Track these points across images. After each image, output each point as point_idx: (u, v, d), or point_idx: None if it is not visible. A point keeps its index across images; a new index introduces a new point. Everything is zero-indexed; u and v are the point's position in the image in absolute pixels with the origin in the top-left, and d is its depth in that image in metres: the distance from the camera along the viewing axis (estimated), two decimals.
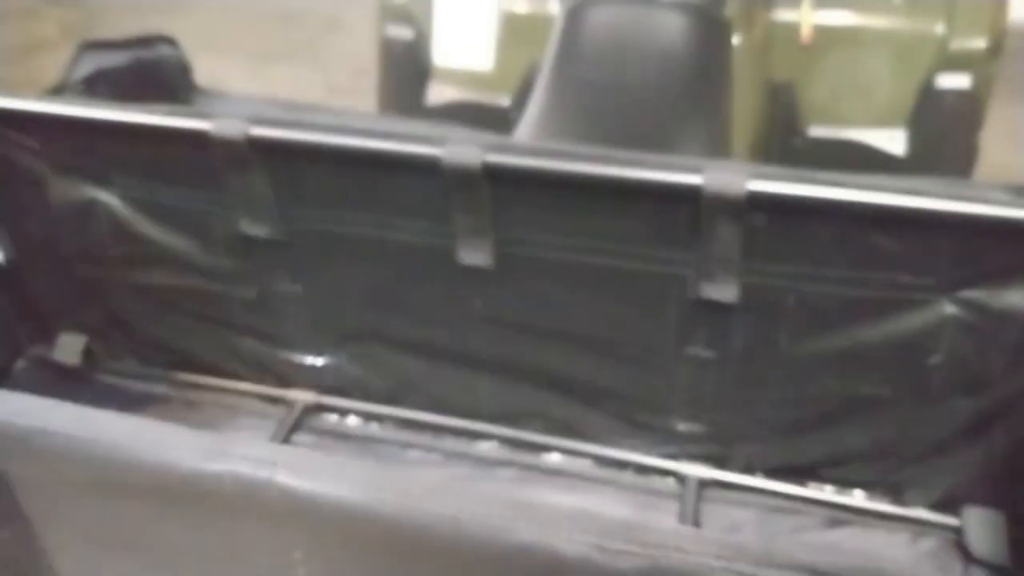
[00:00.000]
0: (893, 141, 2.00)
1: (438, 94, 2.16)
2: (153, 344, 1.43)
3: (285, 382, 1.40)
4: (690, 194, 1.02)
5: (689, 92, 1.63)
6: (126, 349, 1.45)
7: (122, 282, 1.37)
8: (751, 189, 0.99)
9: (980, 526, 1.15)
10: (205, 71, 1.59)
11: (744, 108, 1.86)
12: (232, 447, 0.76)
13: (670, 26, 1.63)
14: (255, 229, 1.22)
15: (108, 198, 1.29)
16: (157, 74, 1.49)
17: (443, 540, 0.71)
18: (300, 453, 0.75)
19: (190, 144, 1.17)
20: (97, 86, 1.37)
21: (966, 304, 1.02)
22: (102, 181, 1.28)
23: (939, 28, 1.91)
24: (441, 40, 2.16)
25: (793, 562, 0.65)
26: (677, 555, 0.67)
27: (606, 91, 1.62)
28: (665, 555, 0.68)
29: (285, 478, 0.74)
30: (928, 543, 1.18)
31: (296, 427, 1.35)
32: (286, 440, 1.32)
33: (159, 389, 1.43)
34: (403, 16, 2.13)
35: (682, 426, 1.24)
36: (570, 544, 0.69)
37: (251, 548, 0.81)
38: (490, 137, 1.11)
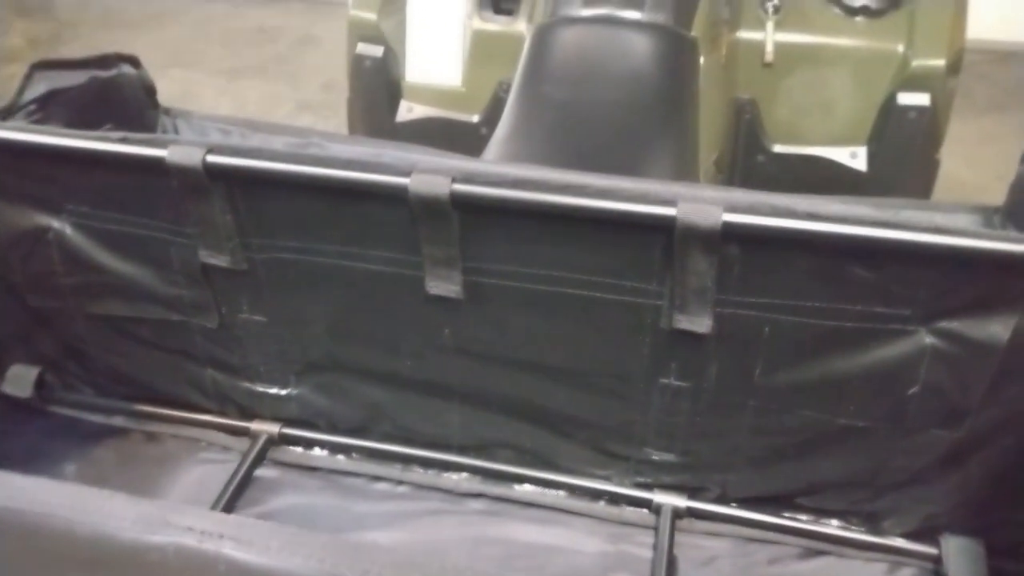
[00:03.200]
0: (855, 158, 1.95)
1: (408, 111, 2.08)
2: (110, 375, 1.32)
3: (248, 413, 1.30)
4: (664, 225, 0.94)
5: (657, 110, 1.57)
6: (82, 380, 1.35)
7: (77, 312, 1.26)
8: (726, 221, 0.92)
9: (959, 555, 1.10)
10: (176, 86, 1.48)
11: (710, 126, 1.82)
12: (175, 517, 0.66)
13: (638, 45, 1.58)
14: (215, 258, 1.13)
15: (60, 226, 1.18)
16: (116, 95, 1.38)
17: None
18: (249, 523, 0.66)
19: (146, 171, 1.08)
20: (50, 107, 1.26)
21: (944, 335, 0.96)
22: (54, 208, 1.17)
23: (900, 47, 1.87)
24: (412, 57, 2.08)
25: None
26: None
27: (574, 110, 1.55)
28: None
29: (233, 551, 0.64)
30: (906, 573, 1.13)
31: (259, 460, 1.25)
32: (248, 474, 1.22)
33: (117, 421, 1.33)
34: (373, 33, 2.04)
35: (656, 456, 1.17)
36: None
37: None
38: (459, 163, 1.03)
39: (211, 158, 1.04)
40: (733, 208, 0.92)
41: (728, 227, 0.92)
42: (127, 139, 1.10)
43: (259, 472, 1.25)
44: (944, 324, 0.96)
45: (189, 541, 0.65)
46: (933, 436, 1.03)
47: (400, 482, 1.25)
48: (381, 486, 1.25)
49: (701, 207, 0.92)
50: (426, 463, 1.26)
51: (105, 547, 0.67)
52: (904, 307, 0.95)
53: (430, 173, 0.98)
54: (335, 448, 1.28)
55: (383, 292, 1.11)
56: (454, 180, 0.98)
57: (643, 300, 1.03)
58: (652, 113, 1.55)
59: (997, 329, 0.94)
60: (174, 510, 0.66)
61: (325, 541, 0.64)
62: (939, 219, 0.99)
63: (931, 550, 1.12)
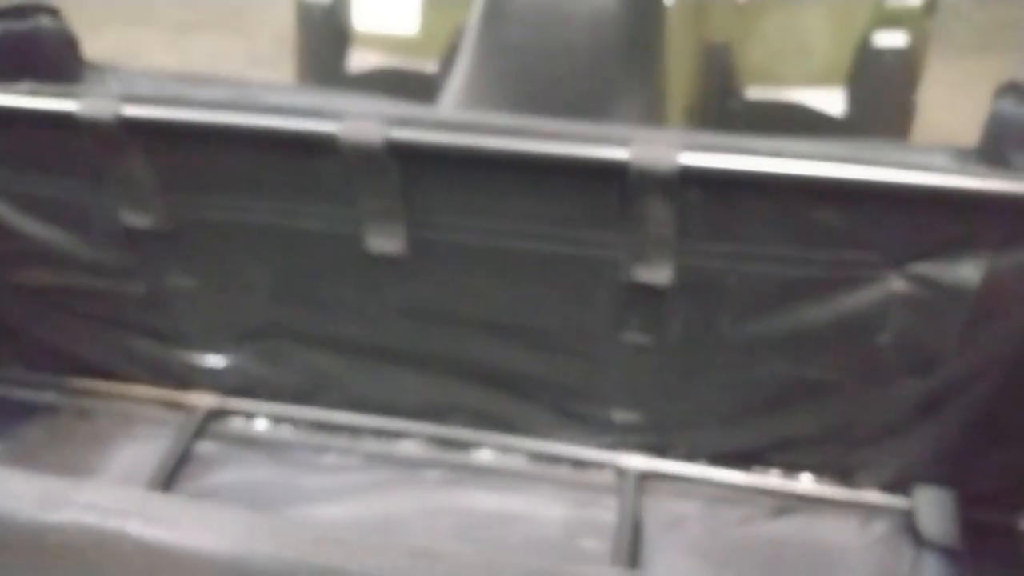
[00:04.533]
0: (831, 101, 1.92)
1: (360, 61, 2.01)
2: (39, 348, 1.27)
3: (185, 385, 1.26)
4: (617, 169, 0.90)
5: (621, 55, 1.52)
6: (10, 355, 1.29)
7: (0, 282, 1.20)
8: (683, 163, 0.87)
9: (931, 506, 1.09)
10: (120, 43, 1.41)
11: (679, 71, 1.77)
12: (76, 494, 0.62)
13: None
14: (137, 220, 1.07)
15: None
16: (34, 49, 1.30)
17: None
18: (157, 499, 0.62)
19: (58, 128, 1.02)
20: None
21: (915, 279, 0.93)
22: None
23: None
24: (361, 3, 2.00)
25: None
26: None
27: (534, 55, 1.50)
28: None
29: (140, 528, 0.60)
30: (879, 527, 1.12)
31: (198, 434, 1.21)
32: (187, 449, 1.18)
33: (47, 397, 1.28)
34: None
35: (619, 416, 1.14)
36: None
37: None
38: (398, 108, 0.98)
39: (126, 110, 0.98)
40: (691, 149, 0.88)
41: (686, 170, 0.88)
42: (36, 91, 1.03)
43: (198, 447, 1.21)
44: (914, 268, 0.93)
45: (91, 519, 0.61)
46: (906, 385, 1.01)
47: (350, 452, 1.21)
48: (329, 458, 1.21)
49: (656, 148, 0.88)
50: (377, 432, 1.22)
51: (4, 526, 0.63)
52: (873, 252, 0.92)
53: (363, 119, 0.93)
54: (279, 419, 1.24)
55: (322, 251, 1.06)
56: (390, 125, 0.92)
57: (600, 252, 0.99)
58: (615, 59, 1.50)
59: (969, 272, 0.91)
60: (75, 487, 0.62)
61: (239, 516, 0.60)
62: (911, 159, 0.96)
63: (903, 502, 1.11)
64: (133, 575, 0.63)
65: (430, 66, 1.95)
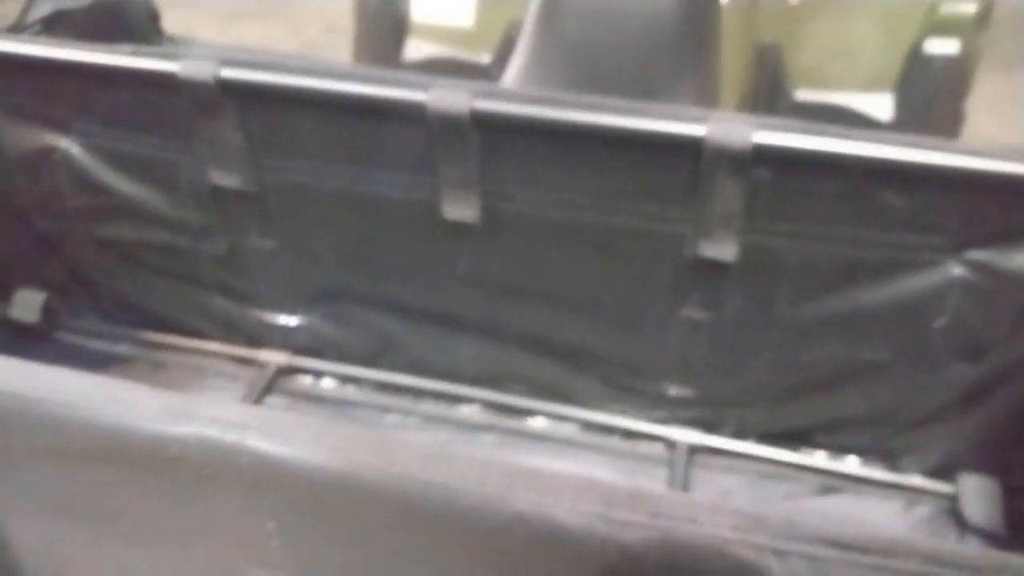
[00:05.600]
0: (879, 106, 1.95)
1: (416, 51, 2.06)
2: (117, 301, 1.33)
3: (256, 342, 1.32)
4: (691, 146, 0.95)
5: (677, 52, 1.55)
6: (88, 306, 1.36)
7: (84, 236, 1.27)
8: (757, 141, 0.92)
9: (975, 493, 1.12)
10: (172, 27, 1.48)
11: (730, 70, 1.80)
12: (198, 408, 0.67)
13: None
14: (225, 179, 1.13)
15: (68, 145, 1.19)
16: (121, 18, 1.38)
17: (432, 510, 0.64)
18: (273, 415, 0.67)
19: (156, 87, 1.08)
20: (55, 29, 1.26)
21: (973, 265, 0.98)
22: (61, 127, 1.18)
23: None
24: None
25: (816, 534, 0.59)
26: (689, 527, 0.61)
27: (591, 50, 1.54)
28: (676, 526, 0.61)
29: (256, 442, 0.66)
30: (922, 510, 1.15)
31: (268, 389, 1.27)
32: (257, 403, 1.24)
33: (123, 349, 1.35)
34: None
35: (672, 390, 1.19)
36: (572, 514, 0.62)
37: (221, 516, 0.74)
38: (477, 84, 1.03)
39: (225, 72, 1.04)
40: (765, 128, 0.93)
41: (758, 148, 0.93)
42: (139, 52, 1.10)
43: (267, 402, 1.27)
44: (973, 255, 0.97)
45: (212, 432, 0.66)
46: (956, 371, 1.05)
47: (411, 414, 1.27)
48: (391, 417, 1.27)
49: (732, 125, 0.93)
50: (437, 395, 1.27)
51: (127, 438, 0.68)
52: (934, 236, 0.96)
53: (450, 88, 0.98)
54: (345, 379, 1.30)
55: (396, 218, 1.12)
56: (476, 96, 0.98)
57: (666, 227, 1.03)
58: (671, 55, 1.54)
59: None
60: (196, 402, 0.68)
61: (350, 434, 0.66)
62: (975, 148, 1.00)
63: (948, 488, 1.14)
64: (246, 487, 0.69)
65: (484, 58, 2.00)
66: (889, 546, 0.58)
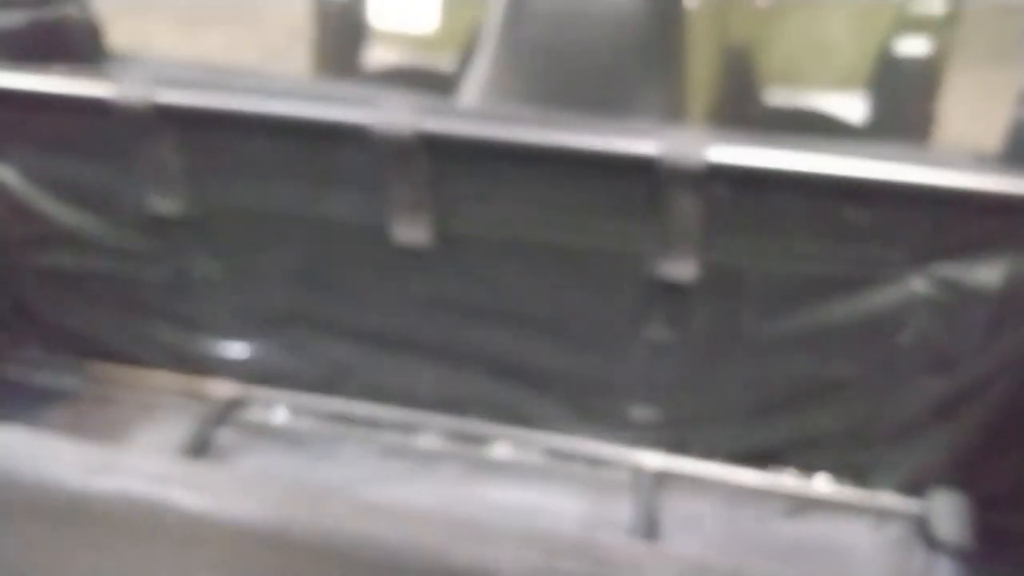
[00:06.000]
0: (851, 106, 1.95)
1: (377, 58, 2.04)
2: (60, 332, 1.30)
3: (206, 372, 1.29)
4: (645, 164, 0.93)
5: (642, 56, 1.55)
6: (31, 338, 1.32)
7: (23, 265, 1.24)
8: (712, 159, 0.91)
9: (944, 509, 1.11)
10: (130, 34, 1.45)
11: (700, 73, 1.80)
12: (121, 461, 0.65)
13: None
14: (166, 206, 1.11)
15: (3, 173, 1.16)
16: (60, 37, 1.34)
17: (367, 566, 0.62)
18: (200, 468, 0.65)
19: (91, 112, 1.06)
20: None
21: (937, 280, 0.97)
22: None
23: None
24: (379, 1, 2.04)
25: None
26: (635, 574, 0.59)
27: (556, 55, 1.53)
28: (622, 574, 0.59)
29: (183, 497, 0.63)
30: (893, 528, 1.14)
31: (218, 422, 1.24)
32: (207, 436, 1.21)
33: (68, 382, 1.31)
34: None
35: (637, 412, 1.17)
36: (515, 566, 0.60)
37: (153, 572, 0.71)
38: (427, 101, 1.01)
39: (161, 96, 1.02)
40: (721, 145, 0.91)
41: (714, 165, 0.91)
42: (71, 76, 1.07)
43: (217, 435, 1.24)
44: (938, 269, 0.96)
45: (136, 486, 0.64)
46: (924, 386, 1.04)
47: (368, 444, 1.24)
48: (348, 448, 1.24)
49: (685, 143, 0.92)
50: (395, 424, 1.25)
51: (49, 494, 0.66)
52: (897, 251, 0.96)
53: (395, 109, 0.96)
54: (298, 409, 1.27)
55: (347, 241, 1.10)
56: (421, 116, 0.96)
57: (625, 246, 1.02)
58: (637, 60, 1.53)
59: (990, 274, 0.95)
60: (120, 454, 0.65)
61: (280, 488, 0.63)
62: (933, 162, 0.99)
63: (917, 504, 1.13)
64: (175, 542, 0.66)
65: (446, 64, 1.98)
66: None
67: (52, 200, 1.17)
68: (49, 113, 1.09)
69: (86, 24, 1.37)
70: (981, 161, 1.06)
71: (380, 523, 0.61)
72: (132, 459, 0.65)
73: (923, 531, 1.12)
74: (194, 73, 1.26)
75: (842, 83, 1.93)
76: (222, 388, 1.28)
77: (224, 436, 1.24)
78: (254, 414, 1.28)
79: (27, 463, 0.67)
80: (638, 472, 1.19)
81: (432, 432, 1.25)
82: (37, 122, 1.11)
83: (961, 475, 1.11)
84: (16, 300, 1.29)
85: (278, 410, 1.28)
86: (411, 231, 1.05)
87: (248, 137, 1.04)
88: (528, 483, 1.20)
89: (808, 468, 1.17)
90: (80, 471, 0.66)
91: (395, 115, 0.96)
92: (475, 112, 0.97)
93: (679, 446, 1.19)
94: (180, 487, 0.63)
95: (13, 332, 1.32)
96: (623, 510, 1.16)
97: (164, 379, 1.30)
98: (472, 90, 1.48)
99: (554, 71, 1.48)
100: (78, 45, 1.34)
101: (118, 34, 1.41)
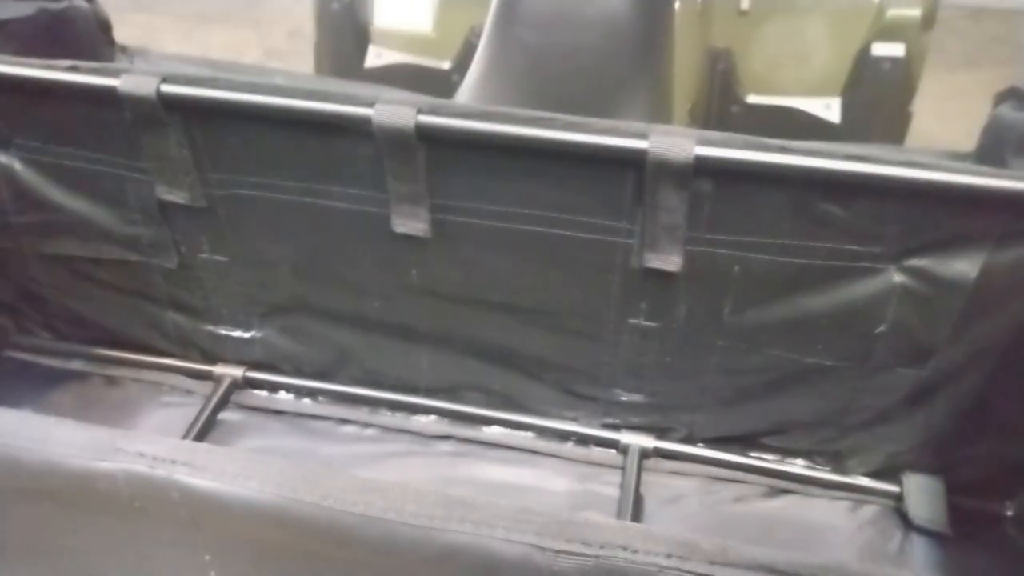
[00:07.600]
0: (829, 109, 1.94)
1: (377, 57, 2.02)
2: (68, 318, 1.28)
3: (211, 357, 1.27)
4: (635, 159, 0.92)
5: (632, 58, 1.53)
6: (39, 323, 1.30)
7: (31, 252, 1.22)
8: (698, 155, 0.90)
9: (919, 492, 1.11)
10: (137, 31, 1.42)
11: (684, 74, 1.79)
12: (125, 443, 0.64)
13: None
14: (172, 195, 1.09)
15: (8, 161, 1.13)
16: (67, 29, 1.32)
17: (366, 542, 0.61)
18: (203, 449, 0.64)
19: (98, 103, 1.03)
20: None
21: (913, 272, 0.96)
22: (1, 143, 1.12)
23: None
24: (381, 1, 2.02)
25: (749, 560, 0.57)
26: (623, 554, 0.58)
27: (547, 55, 1.51)
28: (610, 554, 0.59)
29: (186, 477, 0.62)
30: (869, 510, 1.14)
31: (223, 404, 1.23)
32: (212, 418, 1.20)
33: (75, 366, 1.29)
34: None
35: (623, 397, 1.17)
36: (507, 544, 0.60)
37: (157, 550, 0.70)
38: (425, 98, 1.00)
39: (166, 88, 1.00)
40: (705, 142, 0.90)
41: (700, 161, 0.90)
42: (77, 68, 1.05)
43: (223, 416, 1.23)
44: (913, 262, 0.95)
45: (140, 467, 0.63)
46: (899, 374, 1.04)
47: (367, 425, 1.24)
48: (348, 429, 1.23)
49: (673, 139, 0.91)
50: (394, 406, 1.24)
51: (53, 476, 0.65)
52: (874, 244, 0.95)
53: (395, 104, 0.95)
54: (301, 392, 1.26)
55: (348, 231, 1.08)
56: (420, 111, 0.95)
57: (613, 238, 1.01)
58: (626, 61, 1.52)
59: (965, 267, 0.94)
60: (124, 436, 0.64)
61: (282, 466, 0.62)
62: (913, 158, 0.99)
63: (893, 488, 1.13)
64: (179, 521, 0.65)
65: (445, 64, 1.97)
66: (822, 570, 0.56)
67: (58, 188, 1.14)
68: (57, 102, 1.06)
69: (94, 18, 1.35)
70: (955, 159, 1.06)
71: (379, 501, 0.60)
72: (137, 441, 0.64)
73: (898, 513, 1.13)
74: (200, 67, 1.24)
75: (820, 87, 1.92)
76: (227, 371, 1.26)
77: (228, 417, 1.23)
78: (258, 396, 1.27)
79: (35, 446, 0.66)
80: (624, 453, 1.18)
81: (428, 414, 1.24)
82: (45, 111, 1.08)
83: (934, 460, 1.11)
84: (24, 286, 1.27)
85: (281, 392, 1.27)
86: (409, 222, 1.04)
87: (253, 128, 1.02)
88: (519, 464, 1.20)
89: (786, 452, 1.17)
90: (87, 453, 0.64)
91: (395, 109, 0.95)
92: (470, 109, 0.95)
93: (663, 429, 1.19)
94: (185, 467, 0.62)
95: (21, 318, 1.30)
96: (610, 488, 1.16)
97: (171, 363, 1.28)
98: (467, 89, 1.46)
99: (544, 72, 1.47)
100: (86, 36, 1.32)
101: (124, 31, 1.39)
